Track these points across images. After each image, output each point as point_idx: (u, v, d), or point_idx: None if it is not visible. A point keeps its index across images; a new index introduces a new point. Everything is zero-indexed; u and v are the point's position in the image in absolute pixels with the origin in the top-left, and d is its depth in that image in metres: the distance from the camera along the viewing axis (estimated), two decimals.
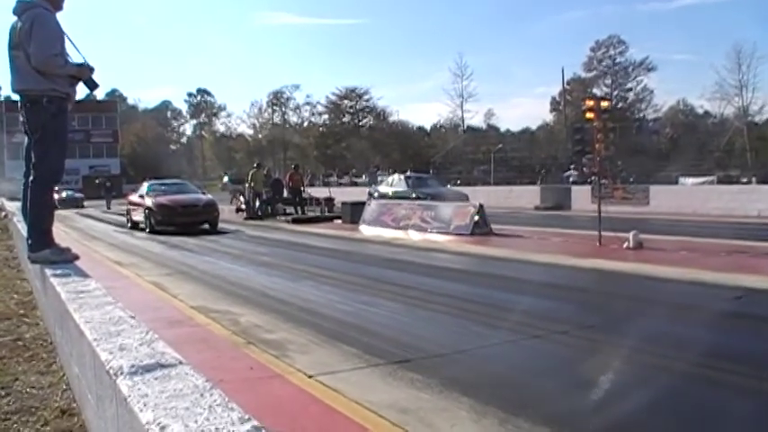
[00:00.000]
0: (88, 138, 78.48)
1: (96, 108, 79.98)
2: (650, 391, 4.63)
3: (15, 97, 5.17)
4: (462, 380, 4.90)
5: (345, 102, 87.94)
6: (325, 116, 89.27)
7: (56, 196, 33.46)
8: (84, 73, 5.17)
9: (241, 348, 5.90)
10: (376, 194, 26.97)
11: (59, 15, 5.16)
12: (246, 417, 1.67)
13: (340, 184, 54.16)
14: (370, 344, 5.99)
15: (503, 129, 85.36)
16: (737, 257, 11.13)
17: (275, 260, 12.92)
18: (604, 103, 15.59)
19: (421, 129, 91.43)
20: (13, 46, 4.97)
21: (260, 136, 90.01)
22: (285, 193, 28.10)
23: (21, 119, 5.11)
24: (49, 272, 4.55)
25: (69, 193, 47.24)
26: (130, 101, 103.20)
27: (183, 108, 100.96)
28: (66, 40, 5.06)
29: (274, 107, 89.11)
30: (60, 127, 5.05)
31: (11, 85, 5.10)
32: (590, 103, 14.94)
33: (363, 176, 62.07)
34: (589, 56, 72.64)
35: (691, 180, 36.92)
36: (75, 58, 5.13)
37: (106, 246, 16.38)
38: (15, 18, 4.99)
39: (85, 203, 47.23)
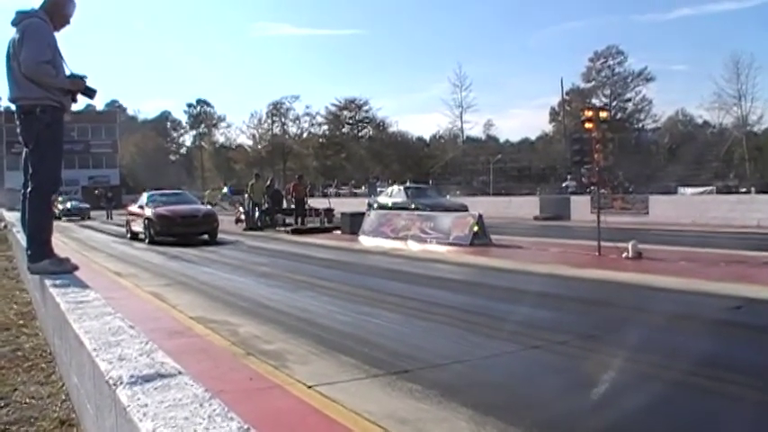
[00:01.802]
0: (88, 148, 78.59)
1: (96, 119, 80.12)
2: (650, 402, 4.63)
3: (14, 108, 5.19)
4: (461, 390, 4.90)
5: (345, 112, 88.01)
6: (325, 127, 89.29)
7: (60, 207, 33.26)
8: (78, 84, 5.19)
9: (240, 359, 5.90)
10: (375, 205, 27.01)
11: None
12: (246, 427, 1.67)
13: (339, 195, 54.18)
14: (369, 354, 5.99)
15: (502, 139, 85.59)
16: (737, 267, 11.13)
17: (274, 271, 12.91)
18: (603, 114, 15.63)
19: (420, 139, 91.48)
20: (10, 57, 5.00)
21: (259, 146, 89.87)
22: (285, 204, 28.16)
23: (18, 129, 5.13)
24: (48, 282, 4.55)
25: (74, 203, 46.02)
26: (130, 111, 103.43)
27: (183, 119, 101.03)
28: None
29: (274, 118, 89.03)
30: (55, 136, 5.06)
31: (7, 96, 5.13)
32: (589, 113, 14.96)
33: (363, 187, 62.18)
34: (588, 66, 72.77)
35: (690, 190, 36.96)
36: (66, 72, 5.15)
37: (105, 256, 16.37)
38: (14, 30, 5.03)
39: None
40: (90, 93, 5.30)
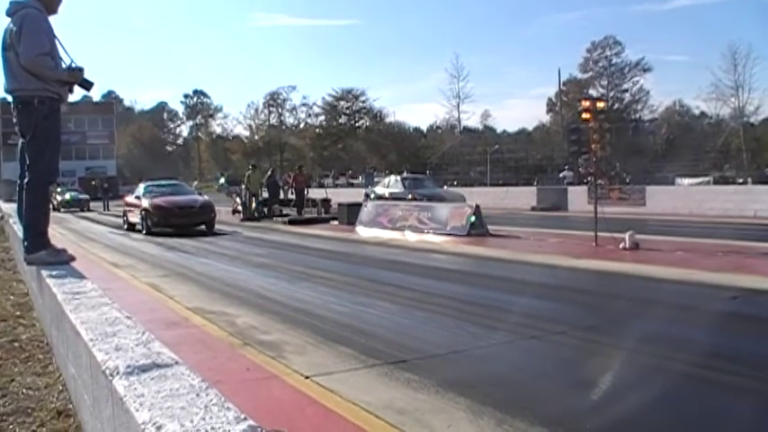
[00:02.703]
0: (84, 139, 78.45)
1: (93, 110, 79.97)
2: (647, 392, 4.64)
3: (10, 99, 5.17)
4: (459, 380, 4.90)
5: (342, 103, 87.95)
6: (322, 117, 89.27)
7: (59, 198, 33.02)
8: (76, 76, 5.18)
9: (237, 349, 5.90)
10: (372, 196, 26.99)
11: (54, 17, 5.18)
12: (242, 416, 1.67)
13: (336, 186, 54.13)
14: (366, 345, 5.99)
15: (499, 130, 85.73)
16: (734, 258, 11.14)
17: (272, 261, 12.91)
18: (600, 104, 15.60)
19: (417, 130, 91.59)
20: (5, 47, 4.97)
21: (256, 137, 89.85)
22: (282, 194, 28.16)
23: (14, 120, 5.11)
24: (45, 273, 4.55)
25: (73, 194, 44.95)
26: (127, 102, 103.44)
27: (180, 109, 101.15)
28: (57, 43, 5.07)
29: (271, 108, 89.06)
30: (53, 127, 5.05)
31: (3, 87, 5.11)
32: (586, 103, 14.93)
33: (360, 178, 62.21)
34: (585, 57, 72.74)
35: (687, 181, 36.98)
36: (65, 60, 5.14)
37: (102, 247, 16.35)
38: (9, 20, 4.99)
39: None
40: (87, 85, 5.29)
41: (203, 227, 20.47)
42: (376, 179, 44.27)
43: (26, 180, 5.03)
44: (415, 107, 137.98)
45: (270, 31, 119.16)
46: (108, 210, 39.41)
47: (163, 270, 11.70)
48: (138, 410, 1.76)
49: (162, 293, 9.02)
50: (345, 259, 13.40)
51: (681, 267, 10.21)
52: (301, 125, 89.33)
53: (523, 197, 31.45)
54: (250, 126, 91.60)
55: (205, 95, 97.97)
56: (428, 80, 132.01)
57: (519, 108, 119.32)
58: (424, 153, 76.01)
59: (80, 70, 5.19)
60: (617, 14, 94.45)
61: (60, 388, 4.01)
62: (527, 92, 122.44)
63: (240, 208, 27.36)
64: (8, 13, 4.99)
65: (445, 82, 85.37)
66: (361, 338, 6.26)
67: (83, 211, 41.21)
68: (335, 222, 22.29)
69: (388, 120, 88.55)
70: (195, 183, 56.70)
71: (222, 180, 67.50)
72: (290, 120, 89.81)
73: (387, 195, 25.72)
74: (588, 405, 4.50)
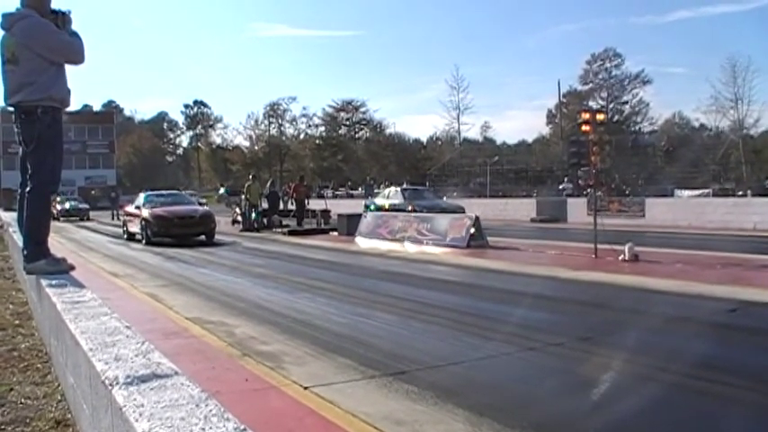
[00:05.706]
0: (84, 149, 78.37)
1: (93, 119, 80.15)
2: (645, 404, 4.63)
3: (11, 110, 5.18)
4: (457, 391, 4.90)
5: (342, 114, 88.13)
6: (322, 128, 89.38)
7: (59, 207, 32.82)
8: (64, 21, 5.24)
9: (236, 360, 5.90)
10: (372, 207, 27.00)
11: None
12: (242, 427, 1.67)
13: (336, 196, 54.14)
14: (365, 356, 5.99)
15: (499, 141, 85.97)
16: (733, 270, 11.14)
17: (271, 272, 12.91)
18: (600, 116, 15.63)
19: (417, 141, 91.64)
20: (5, 60, 4.96)
21: (256, 148, 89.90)
22: (282, 205, 28.15)
23: (16, 130, 5.11)
24: (44, 282, 4.54)
25: (73, 203, 44.52)
26: (127, 112, 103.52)
27: (180, 119, 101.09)
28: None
29: (271, 119, 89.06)
30: (55, 137, 5.06)
31: (4, 99, 5.11)
32: (586, 115, 14.96)
33: (360, 189, 62.31)
34: (585, 69, 72.95)
35: (687, 193, 37.02)
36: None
37: (102, 257, 16.35)
38: (3, 32, 4.99)
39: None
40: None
41: (203, 237, 20.47)
42: (376, 190, 44.29)
43: (27, 189, 5.03)
44: (415, 118, 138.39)
45: (270, 41, 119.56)
46: (116, 218, 39.14)
47: (162, 280, 11.70)
48: (137, 420, 1.76)
49: (161, 303, 9.02)
50: (345, 270, 13.39)
51: (680, 279, 10.22)
52: (301, 136, 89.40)
53: (523, 208, 31.47)
54: (250, 136, 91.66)
55: (205, 106, 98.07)
56: (428, 91, 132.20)
57: (519, 119, 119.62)
58: (423, 164, 76.04)
59: (65, 14, 5.23)
60: (617, 26, 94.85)
61: (59, 397, 4.01)
62: (527, 103, 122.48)
63: (240, 218, 27.36)
64: (3, 27, 4.98)
65: (445, 93, 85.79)
66: (361, 349, 6.26)
67: (82, 220, 41.06)
68: (335, 233, 22.27)
69: (388, 131, 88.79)
70: (221, 191, 56.82)
71: (222, 190, 67.50)
72: (290, 131, 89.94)
73: (386, 206, 25.73)
74: (586, 416, 4.50)
